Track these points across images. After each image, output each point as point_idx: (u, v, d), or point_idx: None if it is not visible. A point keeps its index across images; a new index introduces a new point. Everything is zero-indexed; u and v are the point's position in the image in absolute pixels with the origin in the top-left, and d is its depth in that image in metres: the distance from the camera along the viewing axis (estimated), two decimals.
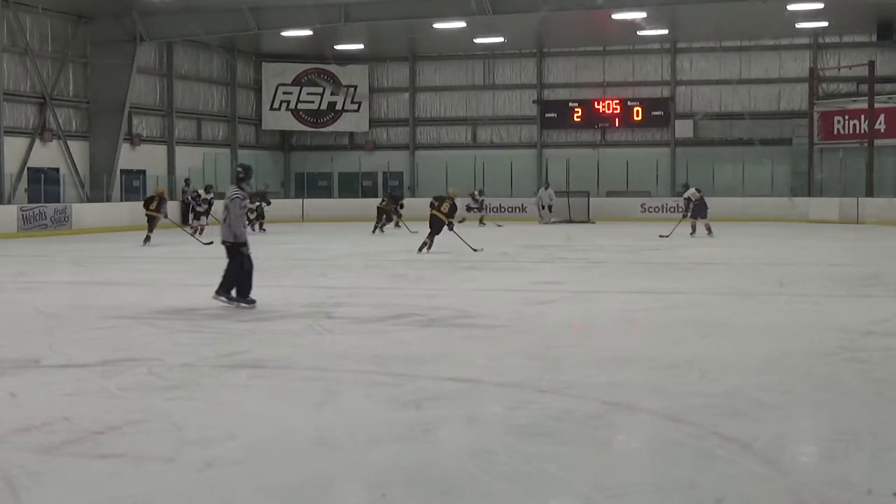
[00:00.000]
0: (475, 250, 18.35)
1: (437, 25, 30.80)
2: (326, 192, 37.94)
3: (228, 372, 7.42)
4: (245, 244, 10.78)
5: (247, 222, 25.53)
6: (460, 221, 29.83)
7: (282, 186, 38.04)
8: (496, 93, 37.89)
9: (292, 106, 38.74)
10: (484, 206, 31.52)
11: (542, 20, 29.87)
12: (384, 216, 26.60)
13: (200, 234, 23.35)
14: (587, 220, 31.70)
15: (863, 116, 31.71)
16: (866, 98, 31.26)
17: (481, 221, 30.57)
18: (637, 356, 7.84)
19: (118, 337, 9.07)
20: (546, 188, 32.55)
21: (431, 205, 19.00)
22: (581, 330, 9.81)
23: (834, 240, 23.47)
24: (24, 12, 27.91)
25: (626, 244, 21.61)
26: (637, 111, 36.05)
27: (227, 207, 10.80)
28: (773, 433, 5.54)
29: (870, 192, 30.63)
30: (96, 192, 29.66)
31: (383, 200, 27.14)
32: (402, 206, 27.12)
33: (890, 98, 31.89)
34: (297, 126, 39.26)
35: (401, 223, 26.65)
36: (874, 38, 33.30)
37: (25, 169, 27.97)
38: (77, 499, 4.51)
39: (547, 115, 37.09)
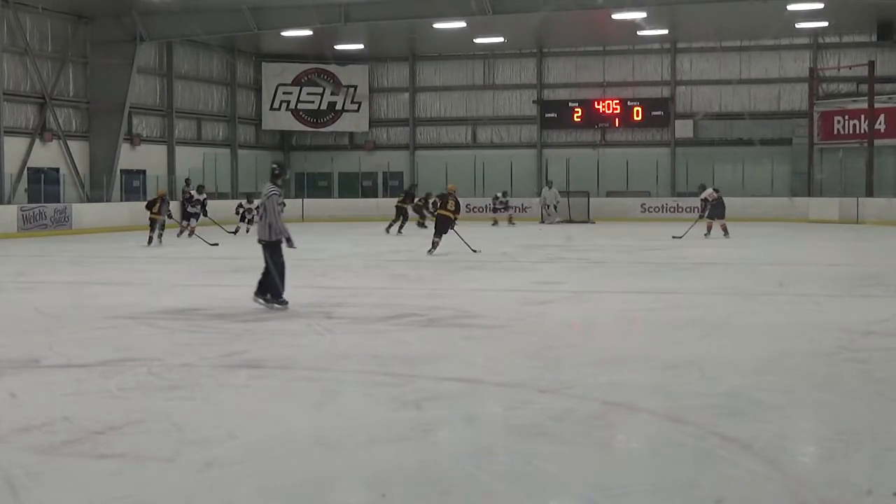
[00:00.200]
0: (475, 251, 18.34)
1: (437, 25, 30.81)
2: (326, 192, 37.95)
3: (228, 372, 7.41)
4: (289, 239, 10.62)
5: (246, 222, 25.73)
6: (492, 224, 30.09)
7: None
8: (496, 93, 37.91)
9: (292, 106, 38.75)
10: (510, 206, 31.43)
11: (542, 20, 29.89)
12: (402, 216, 26.45)
13: (190, 235, 23.17)
14: (587, 220, 31.70)
15: (863, 116, 31.71)
16: (866, 98, 31.26)
17: (510, 221, 30.71)
18: (637, 356, 7.84)
19: (118, 337, 9.07)
20: (550, 188, 32.52)
21: (434, 204, 18.96)
22: (581, 330, 9.81)
23: (834, 240, 23.47)
24: (24, 12, 27.91)
25: (626, 244, 21.62)
26: (637, 111, 36.07)
27: (263, 205, 10.62)
28: (773, 433, 5.54)
29: (870, 192, 30.63)
30: (96, 192, 29.66)
31: (402, 199, 26.99)
32: (428, 205, 26.69)
33: (890, 98, 31.90)
34: (297, 126, 39.27)
35: (426, 223, 26.49)
36: (874, 38, 33.33)
37: (25, 169, 27.98)
38: (77, 499, 4.51)
39: (547, 115, 37.10)
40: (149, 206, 22.02)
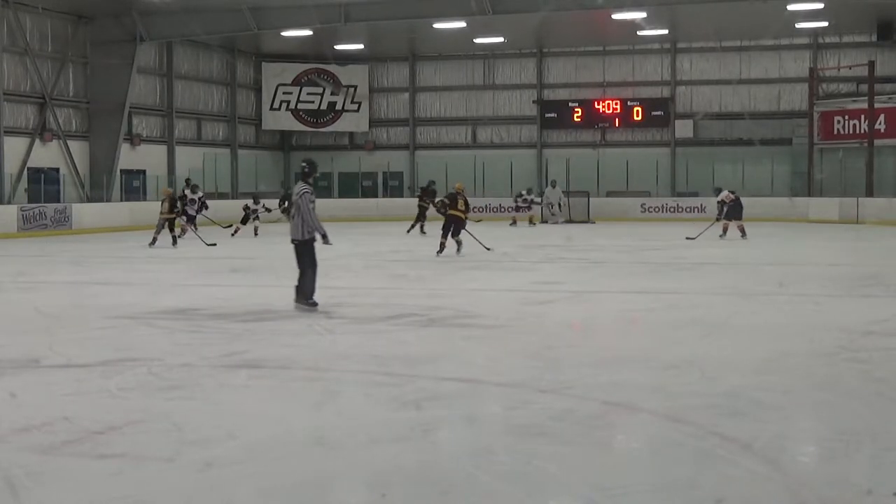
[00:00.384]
0: (488, 249, 18.34)
1: (437, 25, 30.82)
2: (326, 192, 37.87)
3: (228, 372, 7.41)
4: (324, 236, 10.56)
5: (251, 221, 25.35)
6: (511, 224, 29.81)
7: (282, 186, 38.02)
8: (496, 93, 37.91)
9: (292, 106, 38.76)
10: (533, 205, 30.77)
11: (542, 20, 29.89)
12: (424, 215, 25.57)
13: (181, 235, 22.65)
14: (587, 220, 31.70)
15: (863, 116, 31.71)
16: (866, 98, 31.26)
17: (531, 221, 30.04)
18: (637, 356, 7.84)
19: (118, 337, 9.07)
20: (553, 187, 32.45)
21: (443, 204, 18.83)
22: (581, 330, 9.81)
23: (834, 240, 23.47)
24: (24, 12, 27.92)
25: (626, 244, 21.61)
26: (637, 111, 36.07)
27: (296, 204, 10.50)
28: (773, 433, 5.54)
29: (870, 192, 30.63)
30: (96, 192, 29.66)
31: (422, 197, 26.22)
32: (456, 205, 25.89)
33: (890, 98, 31.90)
34: (297, 126, 39.28)
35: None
36: (874, 38, 33.33)
37: (25, 169, 27.99)
38: (77, 499, 4.51)
39: (547, 115, 37.11)
40: (162, 209, 21.43)
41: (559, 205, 31.84)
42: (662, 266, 16.40)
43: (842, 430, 5.60)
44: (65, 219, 26.81)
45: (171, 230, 21.25)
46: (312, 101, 38.75)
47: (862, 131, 31.83)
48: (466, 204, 18.27)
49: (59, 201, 27.85)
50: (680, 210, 33.18)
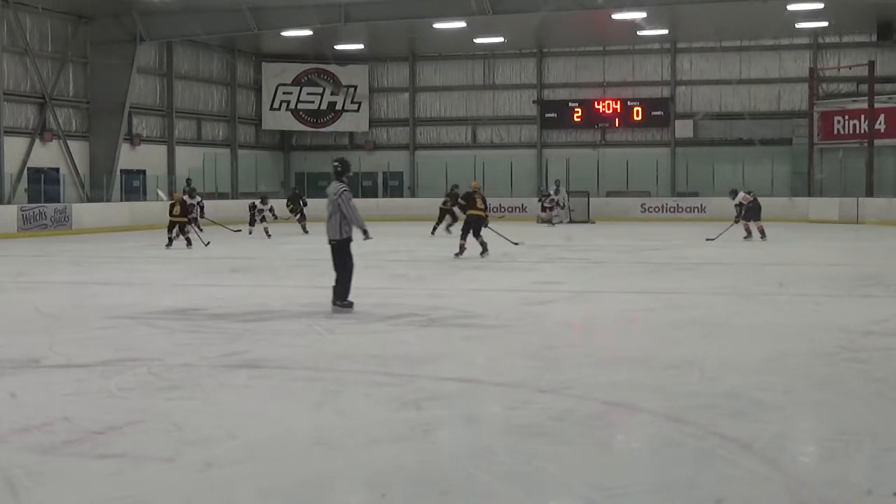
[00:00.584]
0: (516, 244, 18.26)
1: (437, 25, 30.82)
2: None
3: (228, 372, 7.41)
4: (365, 231, 10.52)
5: (259, 222, 25.09)
6: (546, 223, 29.61)
7: (282, 186, 38.05)
8: (496, 93, 37.91)
9: (292, 106, 38.76)
10: (559, 205, 30.39)
11: (542, 20, 29.89)
12: (447, 216, 25.07)
13: (177, 236, 22.39)
14: (587, 220, 31.68)
15: (863, 116, 31.71)
16: (866, 98, 31.26)
17: (550, 222, 29.81)
18: (637, 356, 7.84)
19: (118, 337, 9.07)
20: (557, 187, 32.36)
21: (459, 205, 18.65)
22: (581, 330, 9.81)
23: (834, 240, 23.47)
24: (24, 12, 27.92)
25: (626, 244, 21.61)
26: (637, 111, 36.07)
27: (336, 204, 10.37)
28: (773, 433, 5.54)
29: (870, 192, 30.63)
30: (96, 192, 29.67)
31: (446, 202, 25.47)
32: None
33: (890, 98, 31.90)
34: (297, 126, 39.28)
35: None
36: (874, 38, 33.33)
37: (25, 169, 27.99)
38: (77, 499, 4.51)
39: (547, 115, 37.11)
40: (171, 211, 20.97)
41: (564, 205, 31.78)
42: (662, 266, 16.40)
43: (842, 430, 5.60)
44: (65, 219, 26.80)
45: (184, 233, 20.99)
46: (312, 101, 38.76)
47: (862, 131, 31.82)
48: (484, 202, 17.80)
49: (59, 201, 27.85)
50: (680, 210, 33.19)
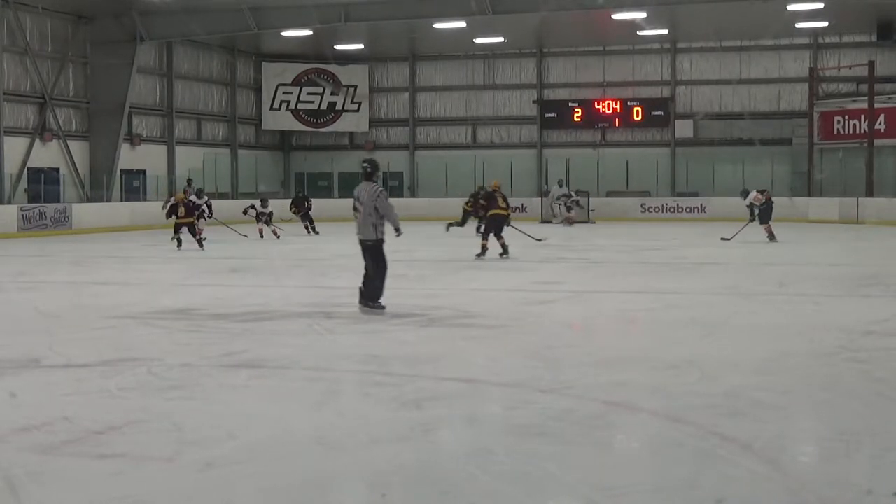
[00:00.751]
0: (539, 241, 18.21)
1: (437, 25, 30.82)
2: (326, 192, 37.90)
3: (228, 372, 7.41)
4: (398, 228, 10.46)
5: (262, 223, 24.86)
6: (570, 224, 29.53)
7: (282, 186, 38.06)
8: (496, 93, 37.91)
9: (292, 106, 38.76)
10: (575, 206, 30.19)
11: (542, 20, 29.91)
12: (470, 217, 24.41)
13: (177, 236, 22.03)
14: (587, 220, 31.68)
15: (863, 116, 31.71)
16: (866, 98, 31.26)
17: (569, 222, 29.62)
18: (637, 356, 7.84)
19: (118, 337, 9.07)
20: (560, 187, 32.33)
21: (479, 205, 18.53)
22: (581, 330, 9.81)
23: (834, 240, 23.46)
24: (24, 12, 27.93)
25: (626, 244, 21.60)
26: (637, 111, 36.06)
27: (369, 205, 10.23)
28: (773, 433, 5.54)
29: (870, 192, 30.62)
30: (96, 192, 29.67)
31: (469, 202, 25.01)
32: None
33: (890, 98, 31.90)
34: (297, 126, 39.28)
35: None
36: (874, 38, 33.32)
37: (25, 169, 28.00)
38: (77, 499, 4.51)
39: (547, 115, 37.10)
40: (189, 212, 20.71)
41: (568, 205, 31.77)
42: (662, 266, 16.40)
43: (842, 430, 5.60)
44: (65, 219, 26.81)
45: (194, 234, 20.58)
46: (312, 101, 38.76)
47: (862, 131, 31.82)
48: (506, 200, 17.43)
49: (59, 201, 27.85)
50: (680, 210, 33.19)
